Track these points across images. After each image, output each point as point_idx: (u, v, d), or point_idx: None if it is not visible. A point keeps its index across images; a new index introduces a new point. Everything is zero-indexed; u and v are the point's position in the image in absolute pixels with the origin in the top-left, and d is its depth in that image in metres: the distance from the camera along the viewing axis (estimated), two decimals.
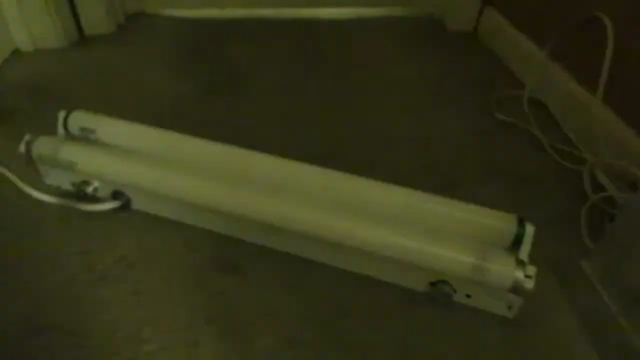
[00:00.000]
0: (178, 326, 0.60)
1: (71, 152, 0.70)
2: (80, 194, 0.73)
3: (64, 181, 0.75)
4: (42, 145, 0.71)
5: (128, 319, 0.60)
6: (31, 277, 0.63)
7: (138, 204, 0.73)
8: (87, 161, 0.70)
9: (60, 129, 0.76)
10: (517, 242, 0.62)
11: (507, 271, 0.57)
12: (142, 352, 0.57)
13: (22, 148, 0.72)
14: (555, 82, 1.01)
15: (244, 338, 0.59)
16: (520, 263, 0.57)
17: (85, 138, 0.75)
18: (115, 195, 0.73)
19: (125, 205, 0.73)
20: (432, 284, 0.63)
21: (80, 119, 0.75)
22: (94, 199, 0.74)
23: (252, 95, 1.05)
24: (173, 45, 1.25)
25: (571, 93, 0.95)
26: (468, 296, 0.62)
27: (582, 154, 0.88)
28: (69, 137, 0.76)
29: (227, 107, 1.00)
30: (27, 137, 0.72)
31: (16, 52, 1.12)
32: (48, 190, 0.74)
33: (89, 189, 0.73)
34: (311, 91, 1.08)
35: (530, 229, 0.61)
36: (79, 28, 1.21)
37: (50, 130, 0.76)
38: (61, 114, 0.76)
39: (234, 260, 0.68)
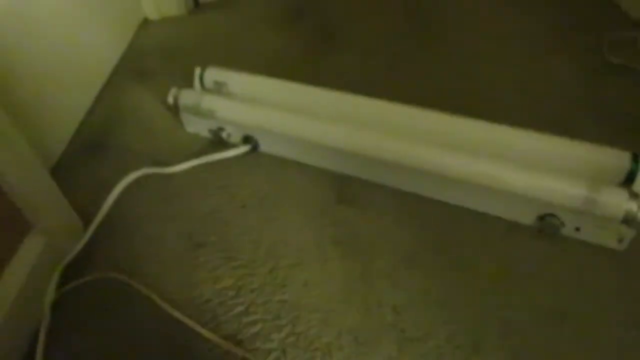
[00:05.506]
0: (308, 246, 0.70)
1: (211, 101, 0.81)
2: (216, 139, 0.85)
3: (203, 128, 0.87)
4: (186, 97, 0.83)
5: (266, 239, 0.71)
6: (186, 207, 0.77)
7: (265, 146, 0.83)
8: (225, 108, 0.81)
9: (197, 83, 0.88)
10: (630, 178, 0.63)
11: (620, 202, 0.59)
12: (282, 265, 0.68)
13: (170, 99, 0.84)
14: None
15: (365, 258, 0.68)
16: (634, 195, 0.59)
17: (218, 90, 0.86)
18: (246, 139, 0.83)
19: (254, 148, 0.84)
20: (541, 217, 0.67)
21: (214, 74, 0.86)
22: (227, 143, 0.85)
23: (352, 49, 1.10)
24: (277, 5, 1.33)
25: None
26: (577, 229, 0.65)
27: None
28: (204, 90, 0.87)
29: (329, 62, 1.06)
30: (173, 91, 0.85)
31: (145, 21, 1.27)
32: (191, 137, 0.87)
33: (224, 134, 0.84)
34: (412, 42, 1.11)
35: None
36: None
37: (181, 85, 0.86)
38: (197, 70, 0.87)
39: (352, 194, 0.76)
